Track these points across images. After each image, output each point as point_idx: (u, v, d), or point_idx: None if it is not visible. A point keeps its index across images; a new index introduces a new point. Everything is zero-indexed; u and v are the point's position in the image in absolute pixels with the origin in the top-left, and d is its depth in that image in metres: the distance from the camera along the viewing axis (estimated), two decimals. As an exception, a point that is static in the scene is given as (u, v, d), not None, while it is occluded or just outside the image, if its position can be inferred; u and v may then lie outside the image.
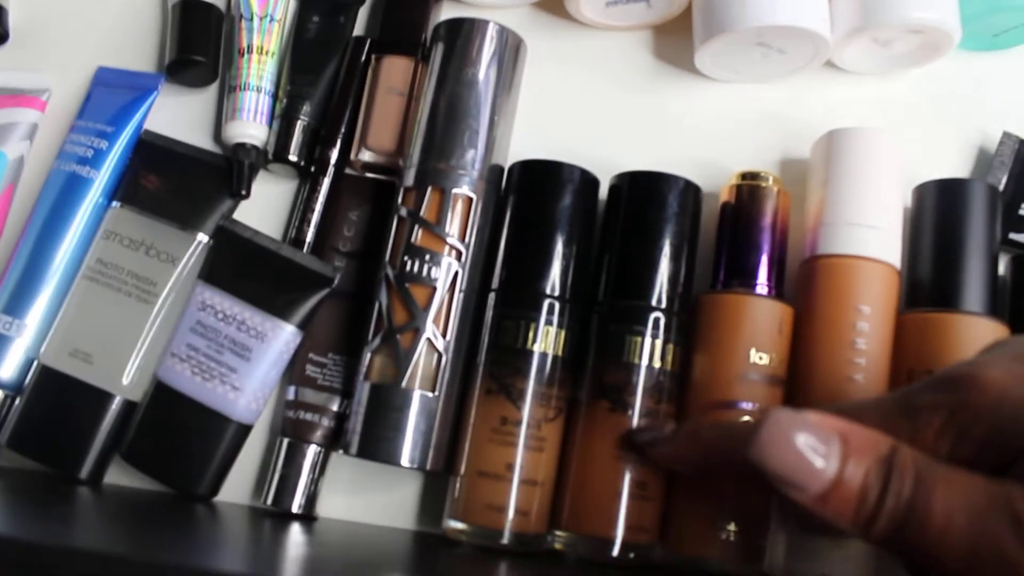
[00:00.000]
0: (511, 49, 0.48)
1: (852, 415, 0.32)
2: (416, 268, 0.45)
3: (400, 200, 0.46)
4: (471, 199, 0.45)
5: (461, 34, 0.47)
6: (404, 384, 0.44)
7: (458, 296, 0.45)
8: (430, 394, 0.44)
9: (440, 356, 0.44)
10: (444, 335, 0.44)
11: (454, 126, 0.46)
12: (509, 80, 0.48)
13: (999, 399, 0.31)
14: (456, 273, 0.45)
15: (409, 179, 0.46)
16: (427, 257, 0.45)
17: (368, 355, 0.45)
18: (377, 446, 0.44)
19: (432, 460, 0.44)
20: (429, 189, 0.45)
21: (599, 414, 0.44)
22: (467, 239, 0.45)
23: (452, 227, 0.45)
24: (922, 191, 0.47)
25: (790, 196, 0.47)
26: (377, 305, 0.45)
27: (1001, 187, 0.49)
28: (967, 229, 0.45)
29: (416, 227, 0.45)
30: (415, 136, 0.47)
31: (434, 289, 0.44)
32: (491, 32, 0.47)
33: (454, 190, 0.45)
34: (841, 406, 0.35)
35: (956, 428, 0.31)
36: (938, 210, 0.46)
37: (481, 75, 0.47)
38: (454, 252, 0.45)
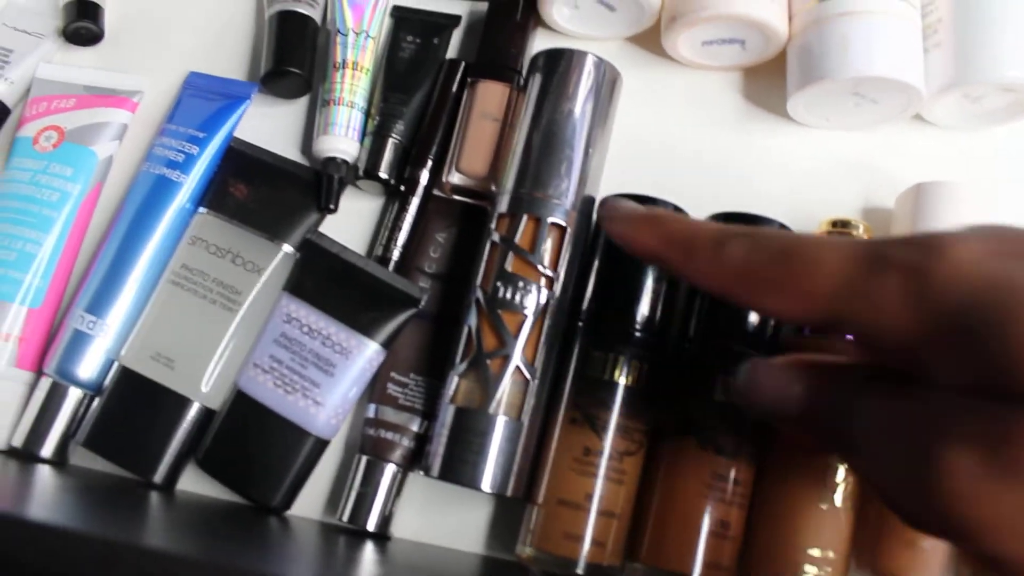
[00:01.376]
0: (608, 82, 0.48)
1: (815, 246, 0.31)
2: (508, 294, 0.45)
3: (494, 225, 0.46)
4: (564, 229, 0.46)
5: (560, 65, 0.48)
6: (491, 410, 0.44)
7: (548, 325, 0.45)
8: (515, 421, 0.44)
9: (528, 383, 0.44)
10: (532, 363, 0.45)
11: (550, 156, 0.46)
12: (605, 113, 0.48)
13: (957, 274, 0.28)
14: (547, 302, 0.45)
15: (503, 205, 0.46)
16: (520, 284, 0.45)
17: (455, 378, 0.45)
18: (460, 469, 0.44)
19: (513, 487, 0.44)
20: (524, 217, 0.45)
21: (687, 450, 0.44)
22: (559, 269, 0.45)
23: (545, 256, 0.45)
24: (1006, 248, 0.48)
25: (878, 245, 0.48)
26: (467, 329, 0.45)
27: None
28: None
29: (509, 253, 0.45)
30: (510, 162, 0.47)
31: (525, 316, 0.45)
32: (589, 64, 0.48)
33: (549, 219, 0.45)
34: (808, 236, 0.34)
35: (916, 293, 0.28)
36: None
37: (578, 107, 0.47)
38: (546, 281, 0.45)
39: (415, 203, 0.50)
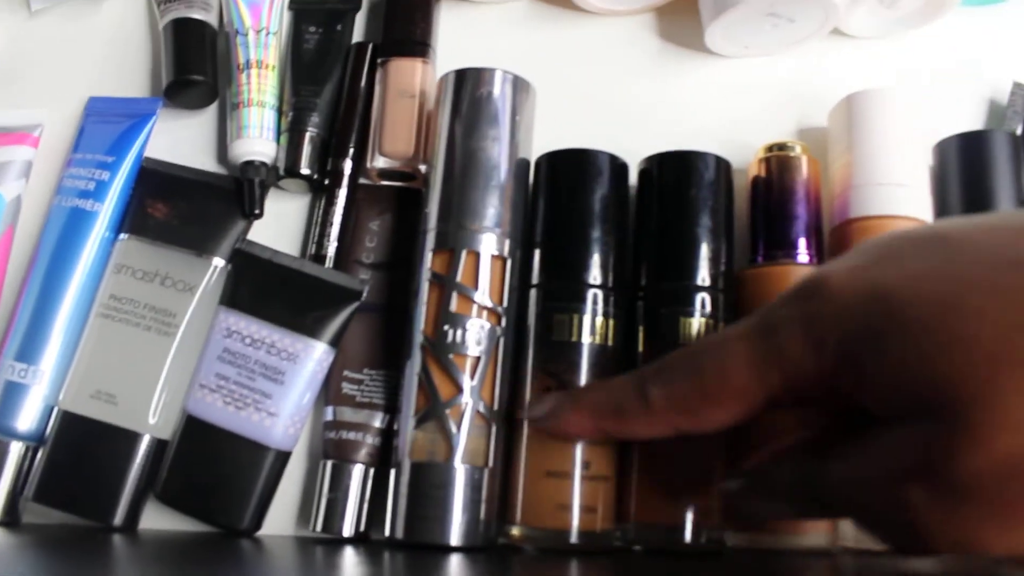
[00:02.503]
0: (520, 95, 0.46)
1: (714, 353, 0.33)
2: (458, 337, 0.42)
3: (428, 264, 0.44)
4: (505, 260, 0.44)
5: (468, 87, 0.45)
6: (456, 460, 0.41)
7: (501, 361, 0.43)
8: (481, 468, 0.42)
9: (490, 427, 0.42)
10: (491, 404, 0.42)
11: (477, 185, 0.44)
12: (523, 126, 0.46)
13: (838, 305, 0.29)
14: (498, 339, 0.43)
15: (433, 242, 0.44)
16: (466, 324, 0.42)
17: (410, 431, 0.42)
18: (426, 528, 0.41)
19: (483, 536, 0.42)
20: (463, 252, 0.43)
21: (656, 399, 0.43)
22: (504, 302, 0.43)
23: (488, 290, 0.43)
24: (943, 147, 0.47)
25: (818, 163, 0.47)
26: (417, 378, 0.42)
27: (1019, 134, 0.49)
28: (993, 179, 0.45)
29: (452, 293, 0.43)
30: (432, 194, 0.45)
31: (478, 358, 0.42)
32: (499, 82, 0.45)
33: (485, 252, 0.43)
34: (705, 343, 0.35)
35: (813, 340, 0.29)
36: (962, 164, 0.46)
37: (495, 129, 0.45)
38: (493, 316, 0.43)
39: (342, 195, 0.48)
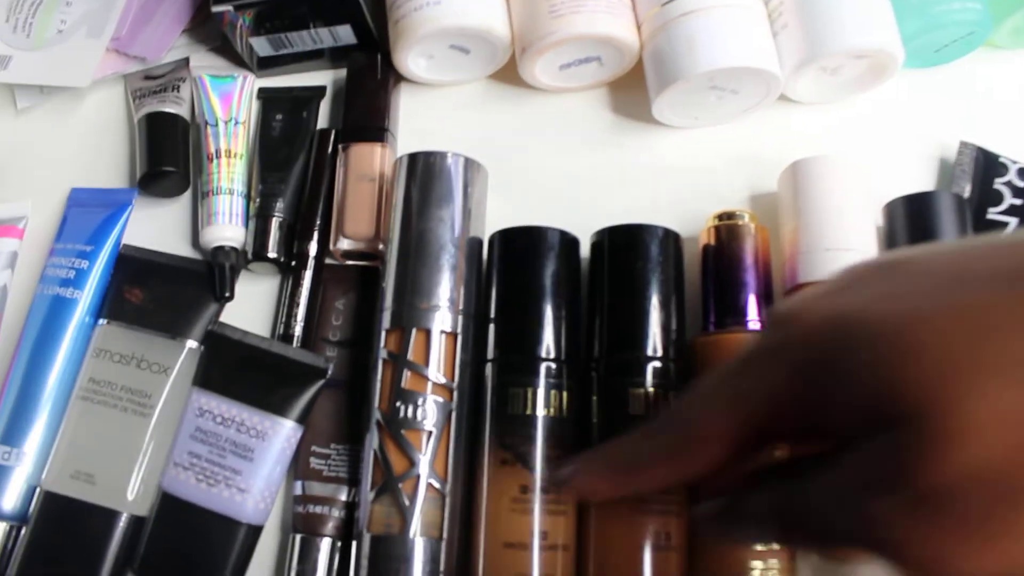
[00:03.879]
0: (471, 175, 0.48)
1: (694, 411, 0.33)
2: (410, 413, 0.44)
3: (382, 343, 0.46)
4: (455, 336, 0.45)
5: (419, 169, 0.47)
6: (411, 534, 0.43)
7: (454, 435, 0.44)
8: (437, 540, 0.43)
9: (443, 499, 0.44)
10: (445, 477, 0.44)
11: (428, 265, 0.46)
12: (474, 206, 0.48)
13: (807, 330, 0.29)
14: (450, 413, 0.44)
15: (387, 321, 0.46)
16: (419, 400, 0.44)
17: (368, 505, 0.44)
18: None
19: None
20: (413, 331, 0.45)
21: (610, 469, 0.44)
22: (455, 377, 0.45)
23: (440, 367, 0.45)
24: (891, 208, 0.48)
25: (767, 230, 0.48)
26: (372, 454, 0.44)
27: (966, 194, 0.50)
28: (939, 238, 0.46)
29: (403, 371, 0.45)
30: (387, 276, 0.46)
31: (430, 432, 0.44)
32: (449, 163, 0.47)
33: (438, 329, 0.45)
34: (687, 402, 0.34)
35: (781, 368, 0.30)
36: (909, 224, 0.47)
37: (445, 209, 0.47)
38: (445, 391, 0.45)
39: (308, 276, 0.50)
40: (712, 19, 0.48)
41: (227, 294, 0.50)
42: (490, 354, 0.46)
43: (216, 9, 0.50)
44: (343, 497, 0.47)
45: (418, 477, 0.43)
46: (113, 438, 0.48)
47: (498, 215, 0.49)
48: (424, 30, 0.49)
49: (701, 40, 0.48)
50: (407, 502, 0.43)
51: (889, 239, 0.48)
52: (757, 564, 0.42)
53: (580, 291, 0.48)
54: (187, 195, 0.54)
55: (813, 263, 0.46)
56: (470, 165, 0.48)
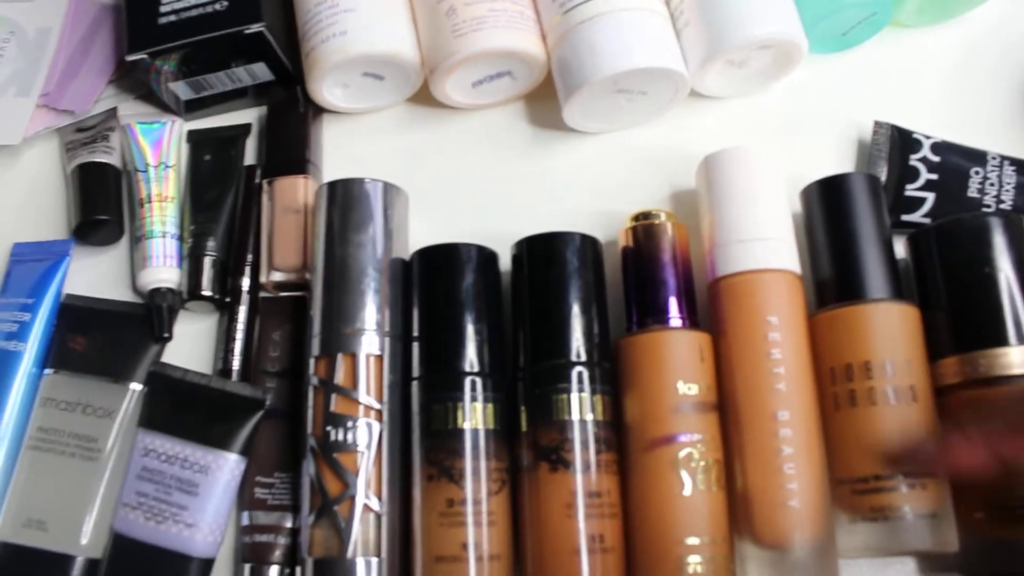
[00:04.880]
0: (390, 198, 0.49)
1: None
2: (340, 436, 0.45)
3: (312, 371, 0.47)
4: (381, 357, 0.46)
5: (337, 197, 0.48)
6: (349, 554, 0.43)
7: (386, 454, 0.45)
8: (374, 559, 0.44)
9: (380, 518, 0.44)
10: (379, 496, 0.45)
11: (351, 290, 0.47)
12: (395, 228, 0.49)
13: None
14: (380, 433, 0.45)
15: (315, 349, 0.47)
16: (348, 423, 0.45)
17: (308, 529, 0.45)
18: None
19: None
20: (339, 356, 0.46)
21: (542, 476, 0.44)
22: (383, 397, 0.46)
23: (368, 389, 0.46)
24: (808, 193, 0.48)
25: (686, 227, 0.49)
26: (308, 479, 0.45)
27: (883, 173, 0.50)
28: (855, 220, 0.46)
29: (332, 395, 0.45)
30: (314, 303, 0.47)
31: (361, 453, 0.45)
32: (368, 189, 0.48)
33: (364, 353, 0.46)
34: None
35: None
36: (825, 208, 0.47)
37: (367, 234, 0.47)
38: (374, 413, 0.45)
39: (243, 310, 0.51)
40: (612, 23, 0.49)
41: (166, 335, 0.51)
42: (415, 372, 0.47)
43: (131, 58, 0.51)
44: (289, 524, 0.48)
45: (353, 498, 0.44)
46: (64, 484, 0.49)
47: (424, 235, 0.50)
48: (333, 60, 0.50)
49: (602, 45, 0.48)
50: (343, 524, 0.44)
51: (808, 224, 0.48)
52: (693, 559, 0.43)
53: (501, 304, 0.48)
54: (124, 241, 0.55)
55: (729, 255, 0.46)
56: (389, 189, 0.49)
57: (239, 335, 0.51)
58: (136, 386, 0.50)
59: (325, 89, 0.52)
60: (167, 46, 0.51)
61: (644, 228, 0.48)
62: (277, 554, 0.47)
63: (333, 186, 0.49)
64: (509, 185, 0.54)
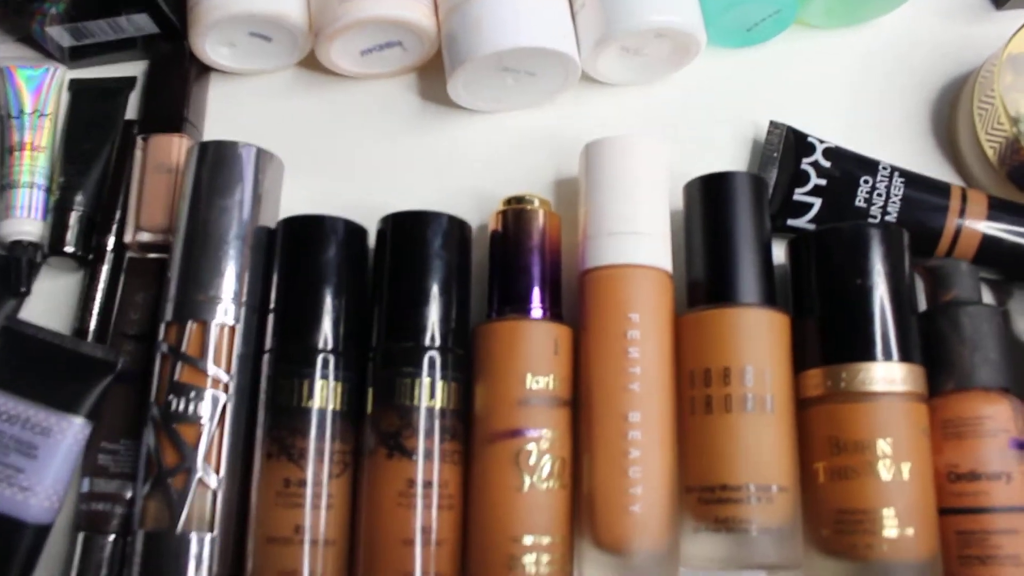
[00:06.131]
0: (263, 165, 0.47)
1: None
2: (182, 406, 0.43)
3: (162, 336, 0.45)
4: (234, 328, 0.45)
5: (208, 159, 0.47)
6: (180, 529, 0.42)
7: (229, 428, 0.44)
8: (207, 535, 0.42)
9: (215, 494, 0.43)
10: (217, 471, 0.43)
11: (208, 256, 0.45)
12: (265, 196, 0.47)
13: None
14: (224, 406, 0.44)
15: (168, 313, 0.45)
16: (192, 394, 0.43)
17: (141, 501, 0.43)
18: None
19: None
20: (190, 322, 0.44)
21: (379, 462, 0.43)
22: (232, 370, 0.44)
23: (217, 359, 0.44)
24: (689, 189, 0.47)
25: (558, 216, 0.47)
26: (145, 448, 0.44)
27: (773, 175, 0.49)
28: (734, 221, 0.45)
29: (179, 363, 0.44)
30: (171, 268, 0.46)
31: (202, 426, 0.43)
32: (241, 153, 0.47)
33: (215, 321, 0.44)
34: None
35: None
36: (705, 206, 0.46)
37: (232, 199, 0.46)
38: (220, 385, 0.44)
39: (105, 270, 0.50)
40: (503, 0, 0.47)
41: (23, 289, 0.49)
42: (268, 345, 0.45)
43: (1, -3, 0.49)
44: (129, 494, 0.46)
45: (188, 471, 0.43)
46: (-97, 439, 0.47)
47: (300, 205, 0.48)
48: (215, 16, 0.48)
49: (488, 21, 0.46)
50: (176, 497, 0.42)
51: (687, 221, 0.47)
52: (528, 559, 0.41)
53: (365, 282, 0.46)
54: (-7, 190, 0.53)
55: (597, 248, 0.45)
56: (262, 155, 0.47)
57: (99, 295, 0.49)
58: (-12, 341, 0.49)
59: (209, 47, 0.50)
60: (40, -13, 0.49)
61: (514, 213, 0.46)
62: (114, 523, 0.46)
63: (205, 147, 0.47)
64: (393, 159, 0.52)
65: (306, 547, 0.42)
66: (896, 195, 0.47)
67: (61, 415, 0.46)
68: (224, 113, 0.53)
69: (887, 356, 0.42)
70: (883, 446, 0.41)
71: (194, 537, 0.42)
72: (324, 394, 0.43)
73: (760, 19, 0.50)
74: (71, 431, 0.46)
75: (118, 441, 0.47)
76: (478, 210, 0.49)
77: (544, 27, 0.47)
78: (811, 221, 0.48)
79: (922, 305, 0.47)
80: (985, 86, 0.48)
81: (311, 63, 0.52)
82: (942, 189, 0.48)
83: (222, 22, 0.48)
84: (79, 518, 0.46)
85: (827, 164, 0.48)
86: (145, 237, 0.49)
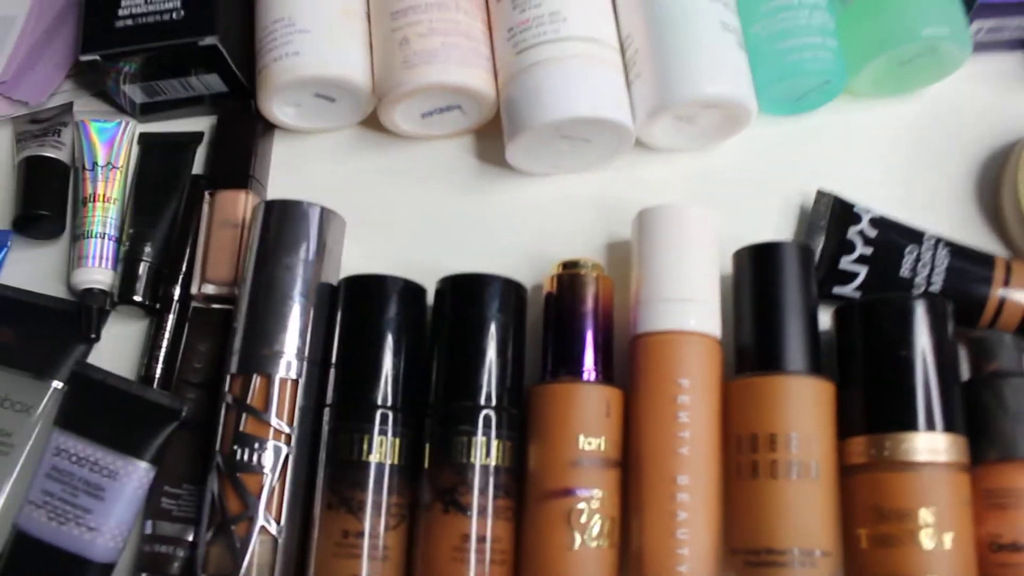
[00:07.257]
0: (326, 223, 0.49)
1: None
2: (246, 456, 0.45)
3: (227, 387, 0.47)
4: (296, 382, 0.46)
5: (273, 217, 0.48)
6: (242, 575, 0.44)
7: (290, 479, 0.45)
8: None
9: (276, 542, 0.44)
10: (278, 521, 0.45)
11: (274, 310, 0.47)
12: (328, 254, 0.49)
13: None
14: (286, 457, 0.45)
15: (233, 366, 0.47)
16: (255, 444, 0.45)
17: (204, 547, 0.45)
18: None
19: None
20: (255, 376, 0.46)
21: (435, 517, 0.44)
22: (294, 422, 0.46)
23: (279, 412, 0.46)
24: (739, 258, 0.48)
25: (611, 280, 0.48)
26: (209, 495, 0.45)
27: (820, 244, 0.50)
28: (781, 290, 0.46)
29: (243, 415, 0.46)
30: (237, 320, 0.47)
31: (265, 476, 0.45)
32: (305, 211, 0.49)
33: (279, 375, 0.46)
34: None
35: None
36: (753, 275, 0.47)
37: (297, 257, 0.48)
38: (283, 437, 0.46)
39: (171, 319, 0.52)
40: (560, 69, 0.49)
41: (93, 335, 0.52)
42: (329, 399, 0.47)
43: (84, 58, 0.51)
44: (190, 538, 0.48)
45: (251, 520, 0.44)
46: (-26, 477, 0.49)
47: (359, 261, 0.50)
48: (283, 79, 0.50)
49: (547, 91, 0.48)
50: (239, 544, 0.44)
51: (736, 289, 0.48)
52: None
53: (422, 340, 0.48)
54: (66, 237, 0.55)
55: (650, 313, 0.46)
56: (325, 213, 0.49)
57: (165, 343, 0.51)
58: (57, 384, 0.51)
59: (276, 107, 0.52)
60: (119, 50, 0.51)
61: (569, 277, 0.48)
62: (175, 566, 0.47)
63: (271, 205, 0.49)
64: (449, 219, 0.54)
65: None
66: (941, 265, 0.48)
67: (127, 459, 0.48)
68: (287, 169, 0.55)
69: (930, 426, 0.43)
70: (925, 515, 0.42)
71: (256, 583, 0.44)
72: (383, 449, 0.45)
73: (809, 89, 0.51)
74: (136, 475, 0.48)
75: (180, 486, 0.49)
76: (531, 270, 0.50)
77: (601, 97, 0.49)
78: (857, 289, 0.49)
79: (965, 374, 0.48)
80: (1029, 158, 0.50)
81: (372, 123, 0.54)
82: (986, 260, 0.49)
83: (290, 85, 0.50)
84: (141, 559, 0.48)
85: (873, 233, 0.49)
86: (210, 289, 0.51)
